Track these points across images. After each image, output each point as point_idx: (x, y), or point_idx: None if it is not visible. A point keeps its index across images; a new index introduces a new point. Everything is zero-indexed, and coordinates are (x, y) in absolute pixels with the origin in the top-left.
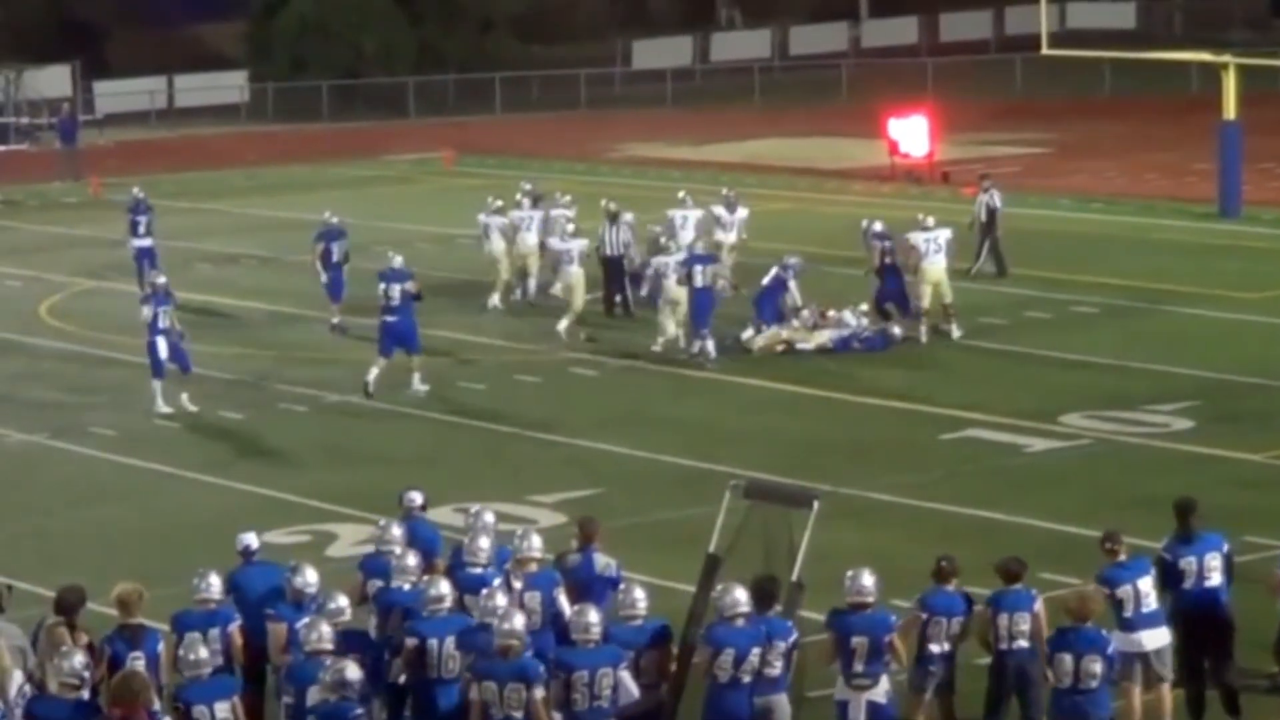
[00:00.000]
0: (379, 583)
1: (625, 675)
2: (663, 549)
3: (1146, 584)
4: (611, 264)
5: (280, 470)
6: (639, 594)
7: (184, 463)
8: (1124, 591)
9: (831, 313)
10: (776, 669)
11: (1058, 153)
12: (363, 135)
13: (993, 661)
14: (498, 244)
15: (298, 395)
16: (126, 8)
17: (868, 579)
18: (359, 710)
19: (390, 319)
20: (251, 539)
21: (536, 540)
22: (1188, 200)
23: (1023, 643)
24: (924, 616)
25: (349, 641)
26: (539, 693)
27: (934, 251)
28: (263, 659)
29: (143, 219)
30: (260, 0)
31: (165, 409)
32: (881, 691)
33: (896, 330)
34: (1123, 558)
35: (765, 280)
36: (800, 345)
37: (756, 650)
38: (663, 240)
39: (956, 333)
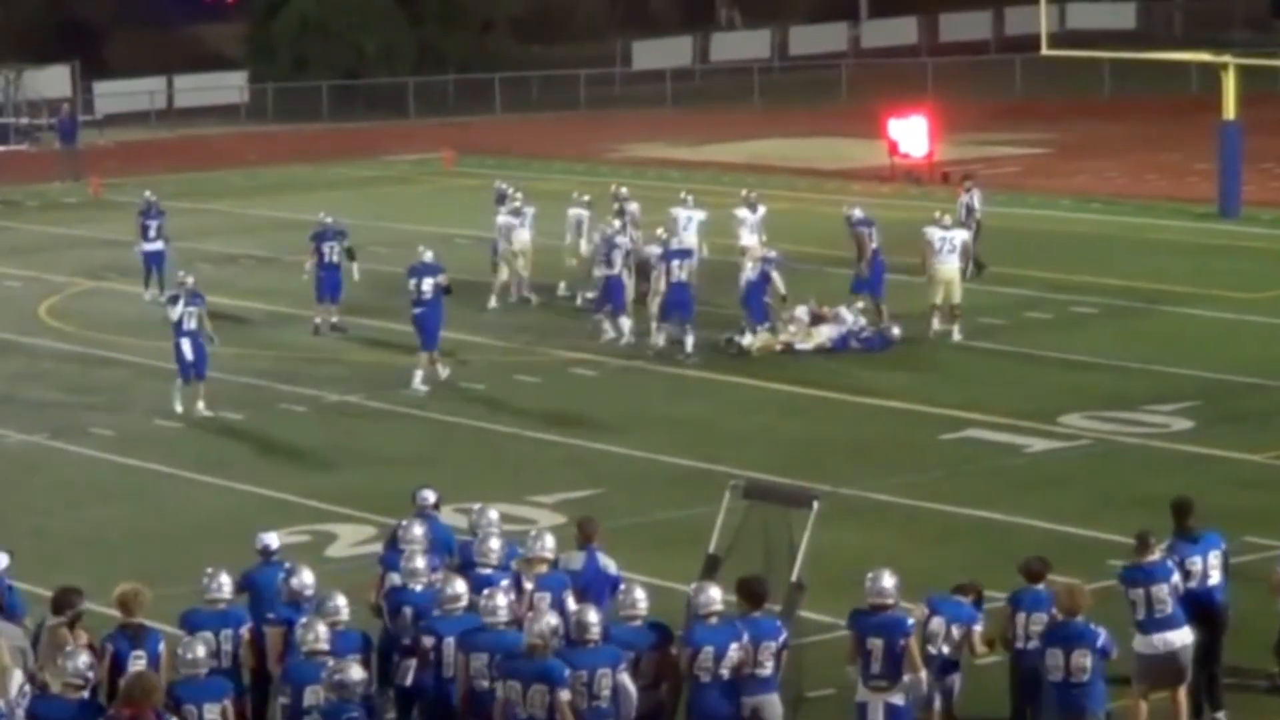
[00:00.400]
0: (396, 579)
1: (625, 679)
2: (663, 549)
3: (1162, 590)
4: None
5: (280, 470)
6: (639, 594)
7: (184, 463)
8: (1135, 595)
9: (827, 309)
10: (767, 669)
11: (1058, 153)
12: (363, 135)
13: (1011, 660)
14: (507, 242)
15: (298, 395)
16: (126, 8)
17: (888, 581)
18: (356, 714)
19: (419, 311)
20: (272, 539)
21: (550, 541)
22: (1188, 200)
23: (1038, 643)
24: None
25: (345, 641)
26: (564, 695)
27: (948, 251)
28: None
29: (154, 223)
30: (260, 0)
31: (180, 409)
32: (899, 694)
33: (896, 330)
34: (1154, 556)
35: (751, 277)
36: (799, 346)
37: (735, 646)
38: (663, 237)
39: (957, 335)
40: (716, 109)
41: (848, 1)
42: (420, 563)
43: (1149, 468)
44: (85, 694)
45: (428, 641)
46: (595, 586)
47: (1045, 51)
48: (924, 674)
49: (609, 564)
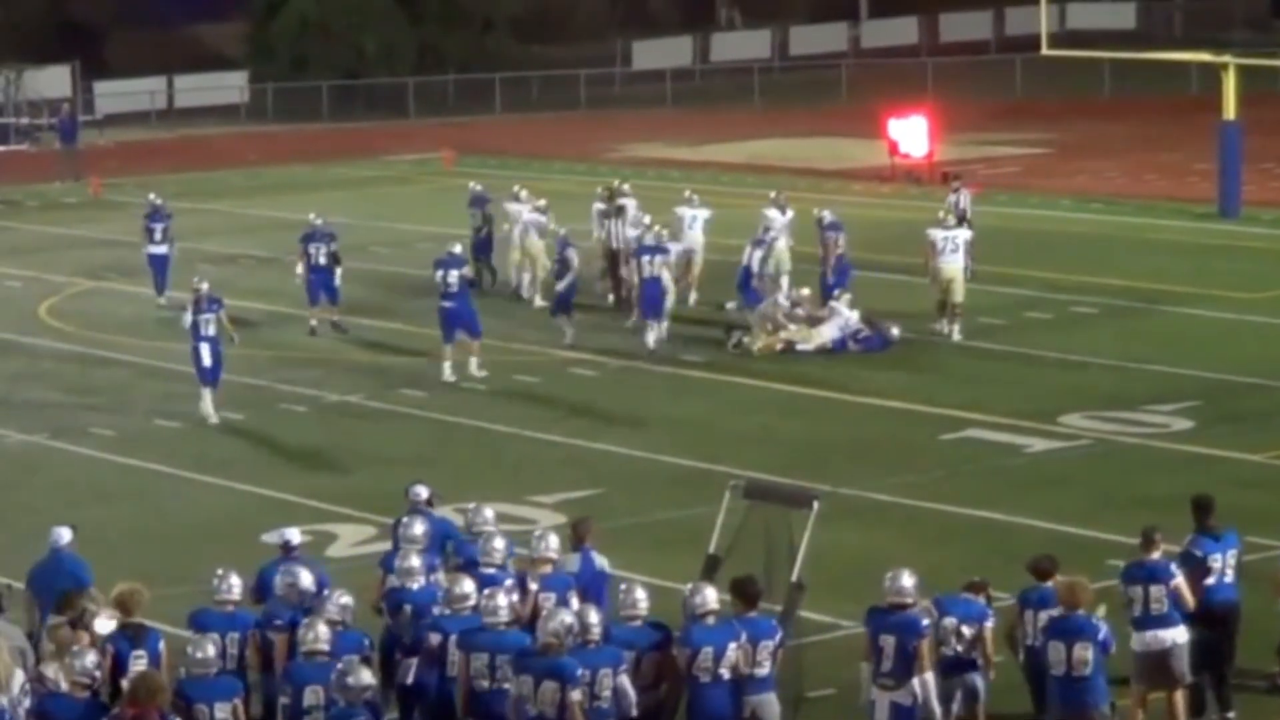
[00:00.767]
0: (395, 581)
1: (624, 680)
2: (663, 549)
3: (1161, 590)
4: (615, 256)
5: (280, 470)
6: (640, 594)
7: (184, 463)
8: (1134, 592)
9: (824, 310)
10: (764, 669)
11: (1058, 153)
12: (363, 135)
13: (1024, 658)
14: (535, 240)
15: (298, 395)
16: (126, 8)
17: (907, 580)
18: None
19: (449, 304)
20: (294, 534)
21: (554, 541)
22: (1188, 200)
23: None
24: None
25: (346, 642)
26: (575, 695)
27: (950, 250)
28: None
29: (159, 225)
30: (260, 0)
31: (214, 419)
32: (907, 694)
33: (895, 330)
34: (1156, 555)
35: (744, 262)
36: (800, 346)
37: (734, 646)
38: (665, 235)
39: (957, 335)
40: (716, 109)
41: (848, 1)
42: (415, 561)
43: (1149, 468)
44: (91, 693)
45: (434, 639)
46: (593, 587)
47: (1045, 51)
48: (930, 675)
49: (603, 563)
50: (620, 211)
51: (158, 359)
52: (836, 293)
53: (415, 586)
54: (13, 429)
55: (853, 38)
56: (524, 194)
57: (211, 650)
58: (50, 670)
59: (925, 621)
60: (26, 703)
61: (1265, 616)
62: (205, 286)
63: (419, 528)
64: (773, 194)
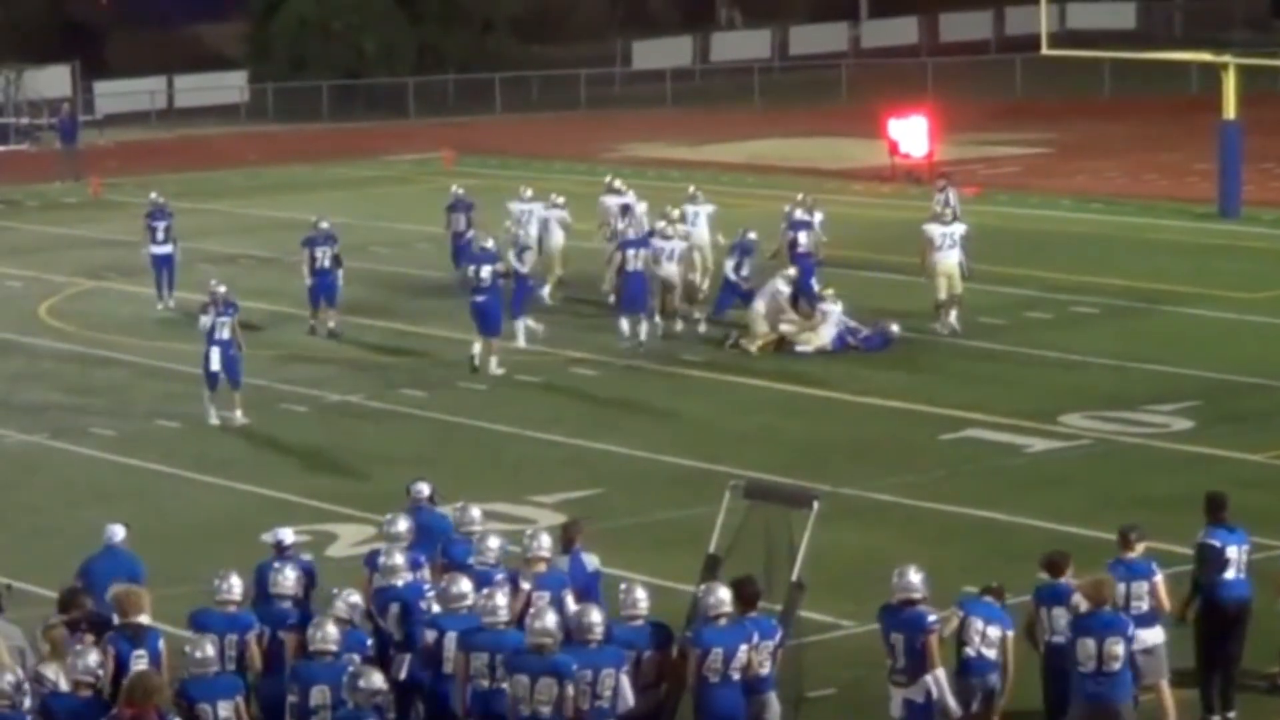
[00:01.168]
0: (380, 580)
1: (624, 680)
2: (663, 549)
3: (1142, 588)
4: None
5: (280, 470)
6: (640, 594)
7: (184, 463)
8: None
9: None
10: (766, 668)
11: (1058, 153)
12: (363, 135)
13: (1043, 655)
14: (557, 238)
15: (298, 395)
16: (126, 8)
17: (914, 575)
18: None
19: (480, 299)
20: (287, 534)
21: (546, 540)
22: (1188, 200)
23: (1059, 638)
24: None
25: (354, 640)
26: (571, 690)
27: (948, 246)
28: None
29: (160, 225)
30: (260, 0)
31: (214, 420)
32: (920, 690)
33: (895, 328)
34: (1133, 554)
35: (730, 261)
36: (800, 347)
37: (744, 648)
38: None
39: (955, 324)
40: (716, 109)
41: (848, 1)
42: (399, 559)
43: (1149, 468)
44: (95, 692)
45: (430, 636)
46: (586, 588)
47: (1045, 51)
48: (940, 672)
49: (594, 563)
50: (627, 210)
51: (158, 359)
52: (826, 293)
53: (400, 584)
54: (13, 429)
55: (853, 38)
56: (529, 193)
57: (211, 650)
58: (50, 670)
59: (931, 617)
60: (29, 703)
61: (1267, 616)
62: (222, 289)
63: (402, 524)
64: (799, 196)
